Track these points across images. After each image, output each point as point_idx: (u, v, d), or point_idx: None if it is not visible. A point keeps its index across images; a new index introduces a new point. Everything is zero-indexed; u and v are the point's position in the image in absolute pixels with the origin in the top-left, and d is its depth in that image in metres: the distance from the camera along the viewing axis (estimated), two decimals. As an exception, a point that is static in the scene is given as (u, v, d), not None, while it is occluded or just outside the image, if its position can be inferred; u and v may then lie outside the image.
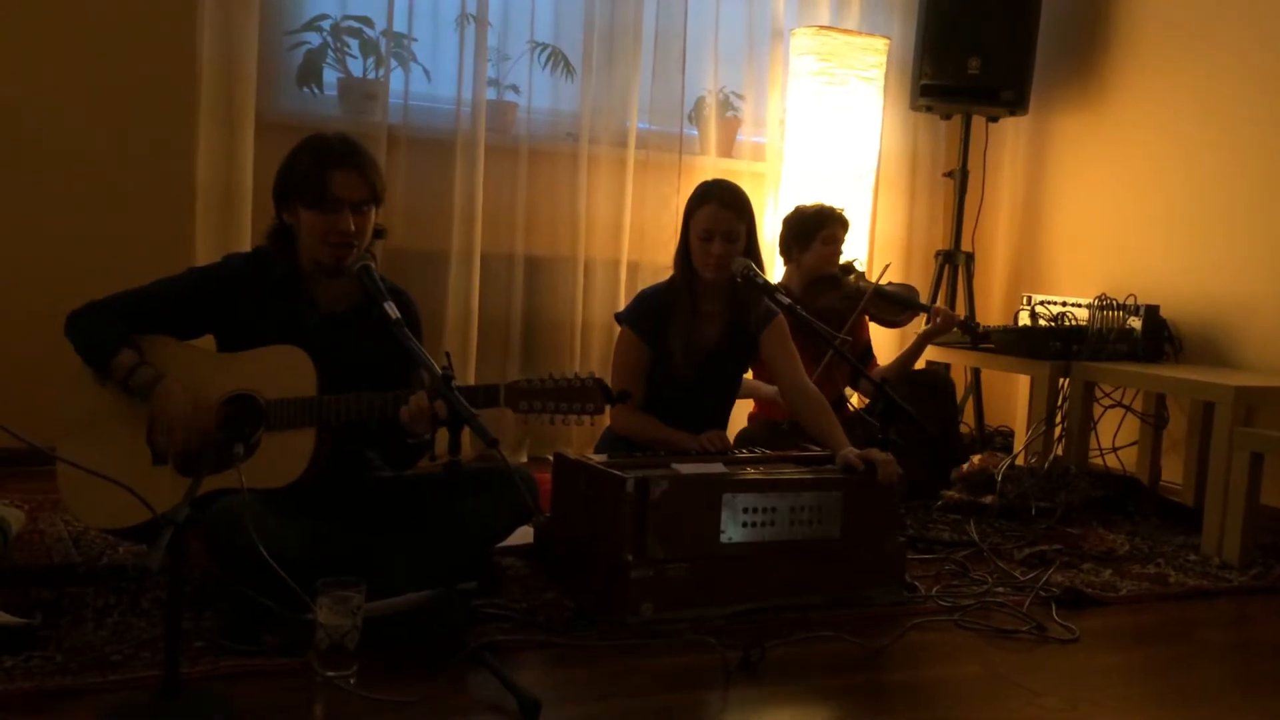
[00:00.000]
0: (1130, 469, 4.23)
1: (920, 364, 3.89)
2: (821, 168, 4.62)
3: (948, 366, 4.41)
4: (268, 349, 2.34)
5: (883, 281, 3.65)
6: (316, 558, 2.21)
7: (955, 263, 4.82)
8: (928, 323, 3.70)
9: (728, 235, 2.79)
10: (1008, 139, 5.20)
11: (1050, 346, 3.95)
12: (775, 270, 4.60)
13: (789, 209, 3.69)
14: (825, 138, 4.57)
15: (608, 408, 2.19)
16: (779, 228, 3.67)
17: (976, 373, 4.87)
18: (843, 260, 3.65)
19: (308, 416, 2.28)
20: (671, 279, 2.91)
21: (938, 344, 4.10)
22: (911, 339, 3.74)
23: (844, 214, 3.63)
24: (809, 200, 3.75)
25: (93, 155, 3.68)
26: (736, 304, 2.89)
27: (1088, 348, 3.97)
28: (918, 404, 3.28)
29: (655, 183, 4.47)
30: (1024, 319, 4.21)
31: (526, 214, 4.24)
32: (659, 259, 4.35)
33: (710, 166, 4.53)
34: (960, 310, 4.69)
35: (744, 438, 3.34)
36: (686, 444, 2.75)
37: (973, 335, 3.90)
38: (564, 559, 2.53)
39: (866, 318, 3.70)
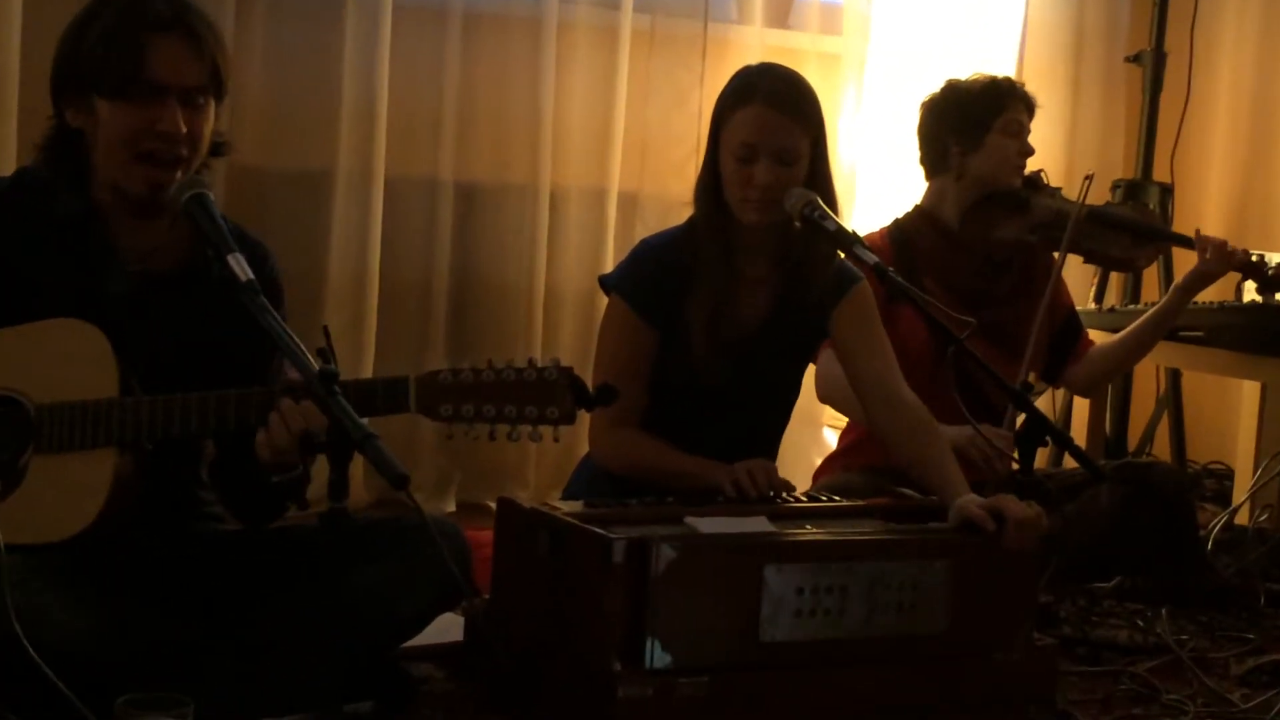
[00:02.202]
0: None
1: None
2: (930, 47, 4.61)
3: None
4: (40, 325, 2.34)
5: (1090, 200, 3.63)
6: (116, 658, 2.20)
7: (1144, 199, 4.82)
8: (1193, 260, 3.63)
9: (780, 154, 2.79)
10: (1231, 9, 5.21)
11: (1293, 335, 3.96)
12: (867, 212, 4.60)
13: (935, 91, 3.64)
14: (939, 1, 4.59)
15: (584, 416, 2.19)
16: (917, 121, 3.63)
17: (1174, 378, 4.88)
18: (1029, 169, 3.65)
19: (103, 432, 2.28)
20: (691, 222, 2.91)
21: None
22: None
23: (1025, 88, 3.63)
24: (940, 84, 3.68)
25: None
26: (794, 263, 2.89)
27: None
28: (1128, 518, 3.33)
29: (665, 68, 4.46)
30: (1250, 292, 4.22)
31: (459, 116, 4.25)
32: (670, 190, 4.36)
33: (754, 43, 4.53)
34: (1150, 279, 4.70)
35: (833, 486, 3.32)
36: (711, 482, 2.75)
37: (1265, 281, 3.78)
38: (512, 667, 2.53)
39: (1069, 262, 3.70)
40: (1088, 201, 3.61)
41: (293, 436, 2.16)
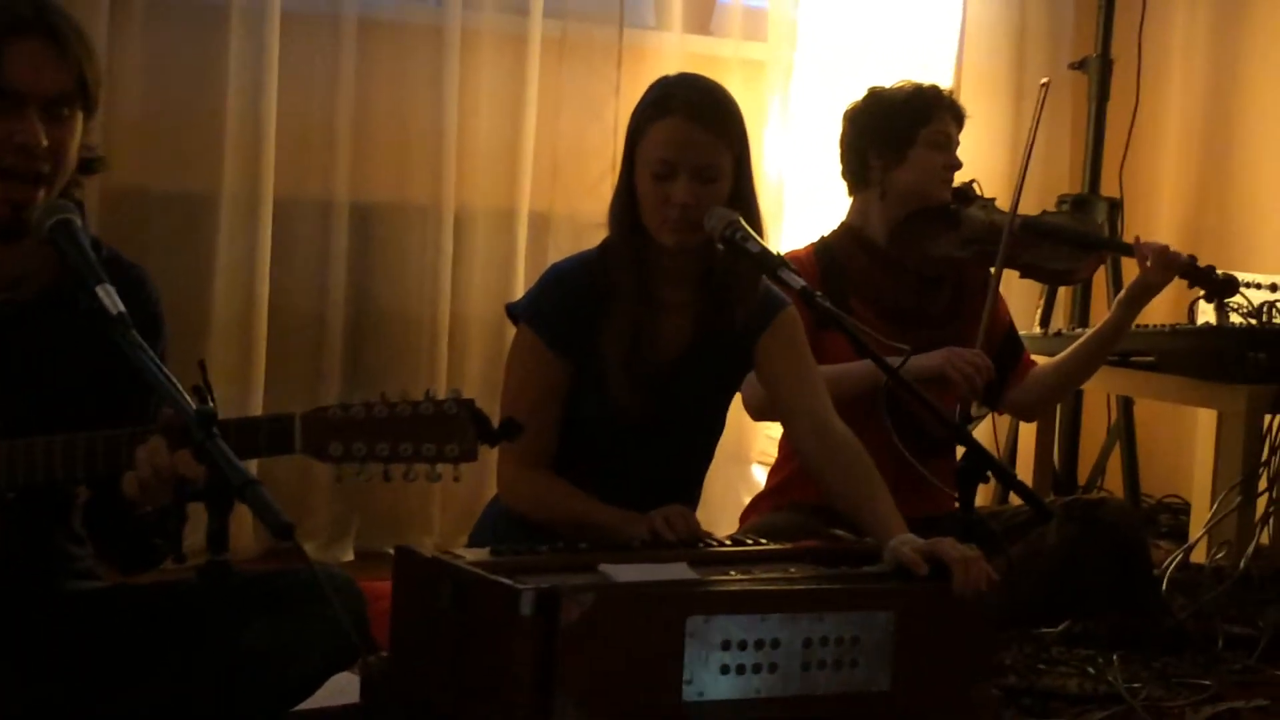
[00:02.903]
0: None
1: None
2: (862, 53, 4.64)
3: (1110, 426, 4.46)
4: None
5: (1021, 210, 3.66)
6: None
7: (1091, 215, 4.87)
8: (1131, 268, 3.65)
9: (700, 171, 2.79)
10: (1180, 6, 5.27)
11: (1250, 360, 4.00)
12: (797, 229, 4.62)
13: (857, 101, 3.65)
14: (871, 2, 4.61)
15: (493, 455, 2.17)
16: (840, 132, 3.64)
17: (1126, 406, 4.92)
18: (958, 180, 3.67)
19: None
20: (605, 245, 2.92)
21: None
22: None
23: (953, 96, 3.64)
24: (861, 92, 3.69)
25: None
26: (716, 288, 2.90)
27: (1317, 361, 4.03)
28: (1077, 558, 3.34)
29: (578, 78, 4.49)
30: (1206, 313, 4.26)
31: (354, 131, 4.25)
32: (584, 209, 4.34)
33: (673, 51, 4.56)
34: (1100, 301, 4.74)
35: (759, 528, 3.31)
36: (628, 528, 2.75)
37: (1212, 287, 3.77)
38: (414, 730, 2.50)
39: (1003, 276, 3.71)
40: (1022, 212, 3.65)
41: (164, 478, 2.13)
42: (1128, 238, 4.97)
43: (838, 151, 3.65)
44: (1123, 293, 3.63)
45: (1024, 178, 3.66)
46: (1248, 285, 4.31)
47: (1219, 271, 3.74)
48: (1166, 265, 3.57)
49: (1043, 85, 3.65)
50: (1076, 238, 3.74)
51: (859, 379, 3.24)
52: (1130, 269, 3.67)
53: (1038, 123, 3.64)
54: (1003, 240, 3.54)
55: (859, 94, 3.67)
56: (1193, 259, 3.62)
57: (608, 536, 2.74)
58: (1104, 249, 3.84)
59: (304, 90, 4.21)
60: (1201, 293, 4.06)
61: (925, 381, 3.09)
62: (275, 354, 4.16)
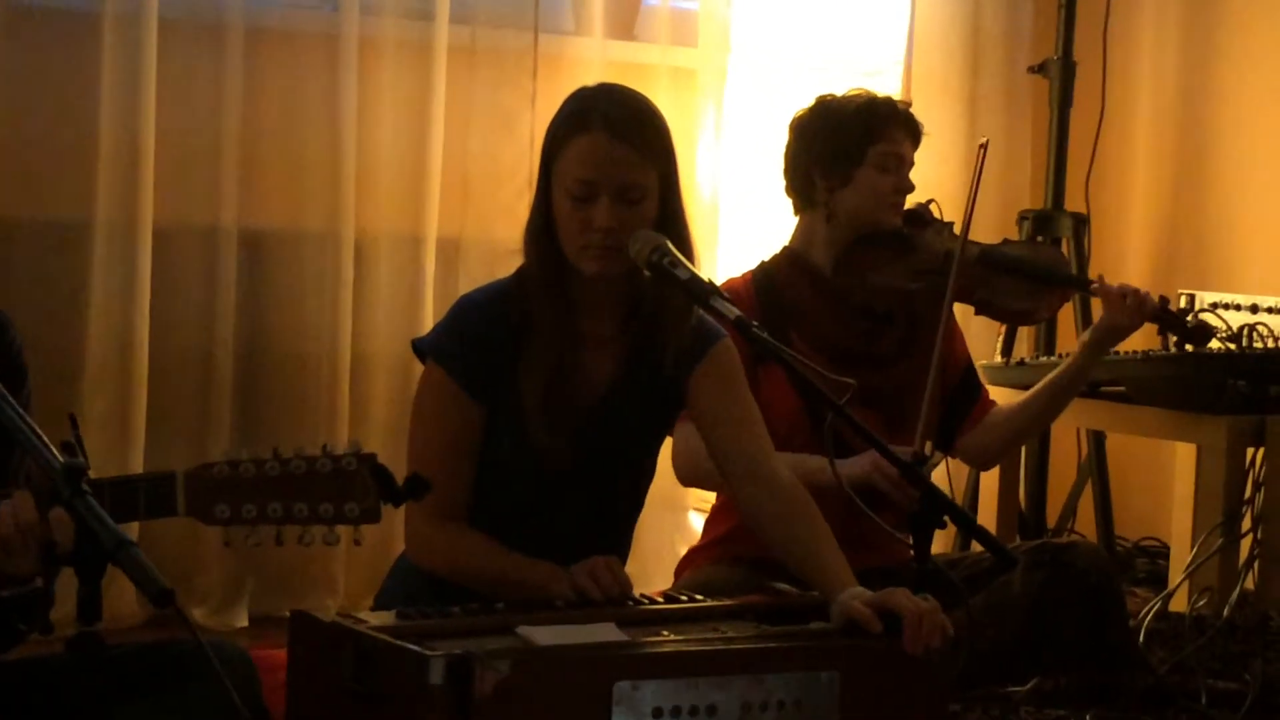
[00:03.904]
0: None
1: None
2: (802, 58, 4.66)
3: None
4: None
5: (974, 236, 3.65)
6: None
7: (1054, 233, 4.90)
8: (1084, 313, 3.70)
9: (623, 191, 2.79)
10: (1148, 5, 5.32)
11: (1230, 388, 4.04)
12: (735, 253, 4.62)
13: (804, 109, 3.64)
14: (811, 2, 4.63)
15: (393, 511, 2.17)
16: (786, 143, 3.63)
17: (1097, 442, 4.95)
18: (911, 202, 3.66)
19: None
20: (521, 274, 2.92)
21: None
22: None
23: (910, 111, 3.62)
24: (808, 100, 3.68)
25: None
26: (644, 319, 2.90)
27: (1302, 389, 4.08)
28: (1046, 608, 3.34)
29: (490, 89, 4.49)
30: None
31: (242, 151, 4.25)
32: (498, 234, 4.38)
33: (594, 58, 4.57)
34: (1068, 324, 4.77)
35: (696, 583, 3.31)
36: (550, 585, 2.75)
37: (1185, 335, 3.81)
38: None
39: (956, 311, 3.70)
40: (979, 237, 3.66)
41: (26, 538, 2.12)
42: (1097, 257, 5.06)
43: (782, 165, 3.64)
44: (1086, 334, 3.64)
45: (971, 212, 3.62)
46: (1226, 307, 4.36)
47: (1193, 315, 3.78)
48: (1134, 310, 3.57)
49: (981, 146, 3.64)
50: (1037, 273, 3.72)
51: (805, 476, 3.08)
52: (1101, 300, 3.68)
53: (977, 186, 3.62)
54: (951, 273, 3.52)
55: (799, 103, 3.66)
56: (1164, 302, 3.64)
57: (528, 594, 2.73)
58: (1067, 287, 3.83)
59: (185, 105, 4.20)
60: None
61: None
62: (156, 400, 4.14)
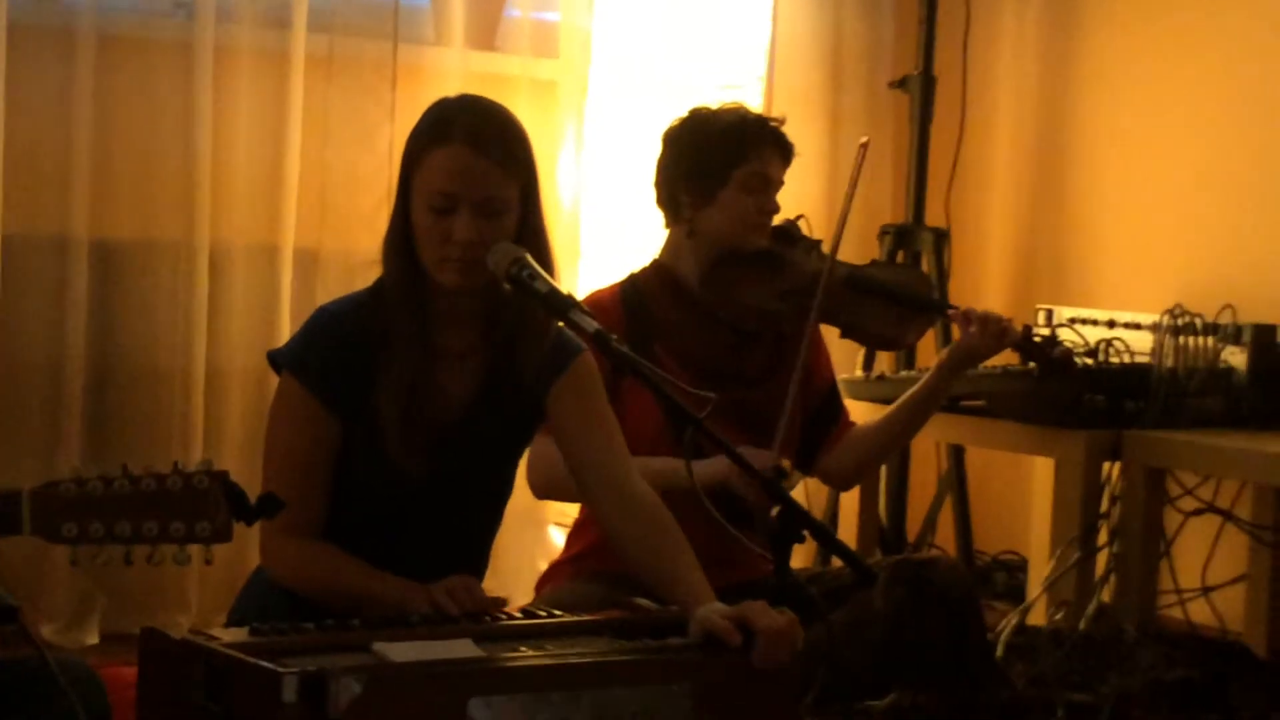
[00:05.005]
0: (1235, 626, 4.43)
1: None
2: (665, 70, 4.68)
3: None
4: None
5: (842, 257, 3.65)
6: None
7: (915, 247, 4.96)
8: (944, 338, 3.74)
9: (484, 204, 2.79)
10: (1007, 21, 5.39)
11: (1087, 403, 4.11)
12: (591, 265, 4.63)
13: (677, 120, 3.62)
14: (672, 15, 4.64)
15: (245, 529, 2.15)
16: (658, 155, 3.61)
17: (957, 455, 5.00)
18: (778, 219, 3.66)
19: None
20: (379, 286, 2.91)
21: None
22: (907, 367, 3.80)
23: (780, 128, 3.61)
24: (681, 112, 3.63)
25: None
26: (505, 333, 2.91)
27: (1154, 405, 4.15)
28: (905, 623, 3.36)
29: (349, 99, 4.49)
30: (1038, 354, 4.35)
31: (94, 159, 4.22)
32: (357, 245, 4.35)
33: (454, 68, 4.58)
34: (929, 341, 4.81)
35: (556, 599, 3.31)
36: (408, 600, 2.73)
37: (1047, 365, 3.78)
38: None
39: (823, 331, 3.73)
40: (841, 256, 3.67)
41: None
42: (957, 272, 5.12)
43: (653, 177, 3.62)
44: (943, 355, 3.63)
45: (841, 232, 3.61)
46: (1084, 322, 4.43)
47: (1057, 344, 3.80)
48: (996, 336, 3.58)
49: (861, 145, 3.64)
50: (904, 299, 3.72)
51: (659, 475, 3.12)
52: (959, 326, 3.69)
53: (855, 186, 3.63)
54: (818, 294, 3.52)
55: (661, 116, 3.68)
56: (1027, 330, 3.68)
57: (385, 610, 2.72)
58: (932, 313, 3.85)
59: (35, 113, 4.17)
60: (1040, 329, 4.16)
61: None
62: (2, 415, 4.11)
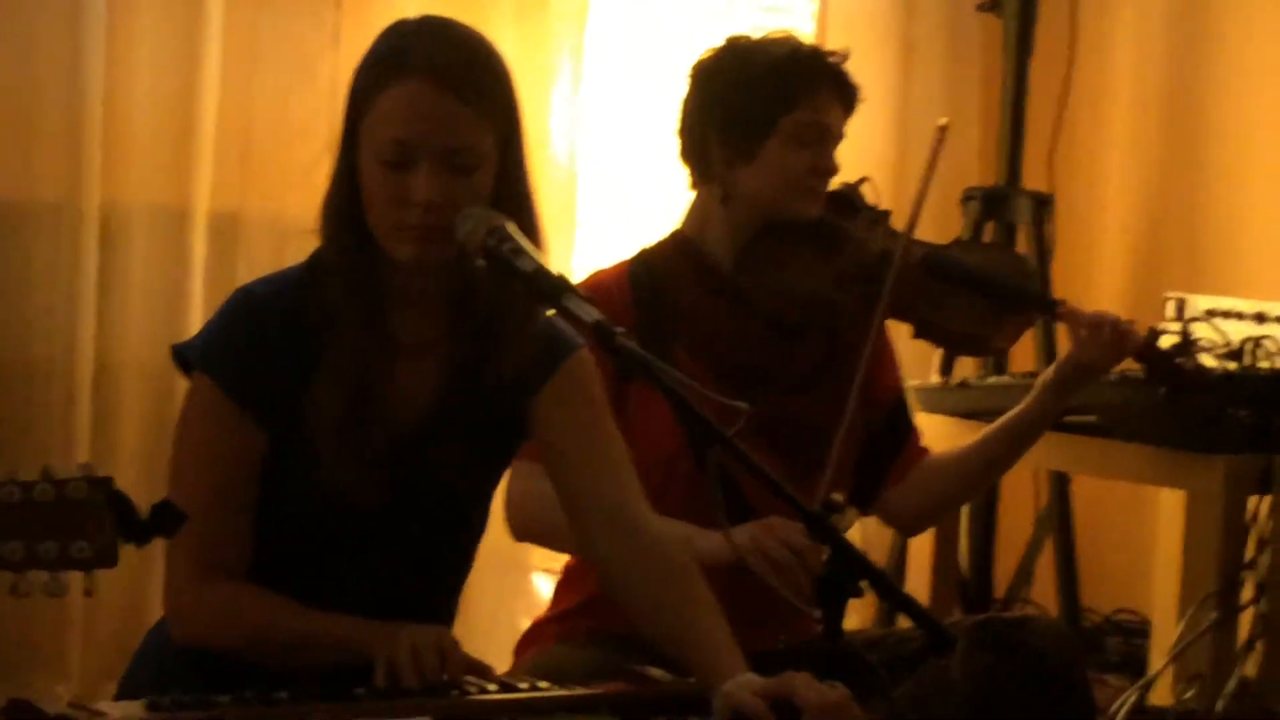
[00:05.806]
0: None
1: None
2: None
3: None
4: None
5: (919, 234, 3.65)
6: None
7: (1008, 217, 4.96)
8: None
9: (451, 155, 2.80)
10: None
11: (1229, 420, 4.11)
12: (590, 236, 4.64)
13: (709, 52, 3.62)
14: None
15: (148, 555, 2.15)
16: (685, 94, 3.60)
17: (1060, 486, 5.00)
18: (836, 182, 3.66)
19: None
20: (316, 260, 2.93)
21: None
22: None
23: (841, 65, 3.60)
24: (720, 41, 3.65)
25: None
26: (477, 322, 2.92)
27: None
28: (991, 699, 3.35)
29: (281, 23, 4.54)
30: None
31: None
32: (288, 209, 4.40)
33: (414, -14, 4.58)
34: (1026, 339, 4.82)
35: (543, 665, 3.32)
36: (375, 644, 2.74)
37: (1176, 381, 3.77)
38: None
39: (892, 328, 3.74)
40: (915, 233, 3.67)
41: None
42: (1061, 247, 5.12)
43: (677, 123, 3.61)
44: (1049, 373, 3.63)
45: (918, 214, 3.61)
46: (1225, 315, 4.41)
47: (1186, 357, 3.75)
48: (1112, 346, 3.58)
49: (940, 128, 3.64)
50: (998, 289, 3.69)
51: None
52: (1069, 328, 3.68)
53: (933, 171, 3.61)
54: (887, 281, 3.52)
55: (681, 47, 3.68)
56: (1152, 337, 3.64)
57: (347, 659, 2.74)
58: (1034, 310, 3.80)
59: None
60: (1169, 323, 4.15)
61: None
62: None
